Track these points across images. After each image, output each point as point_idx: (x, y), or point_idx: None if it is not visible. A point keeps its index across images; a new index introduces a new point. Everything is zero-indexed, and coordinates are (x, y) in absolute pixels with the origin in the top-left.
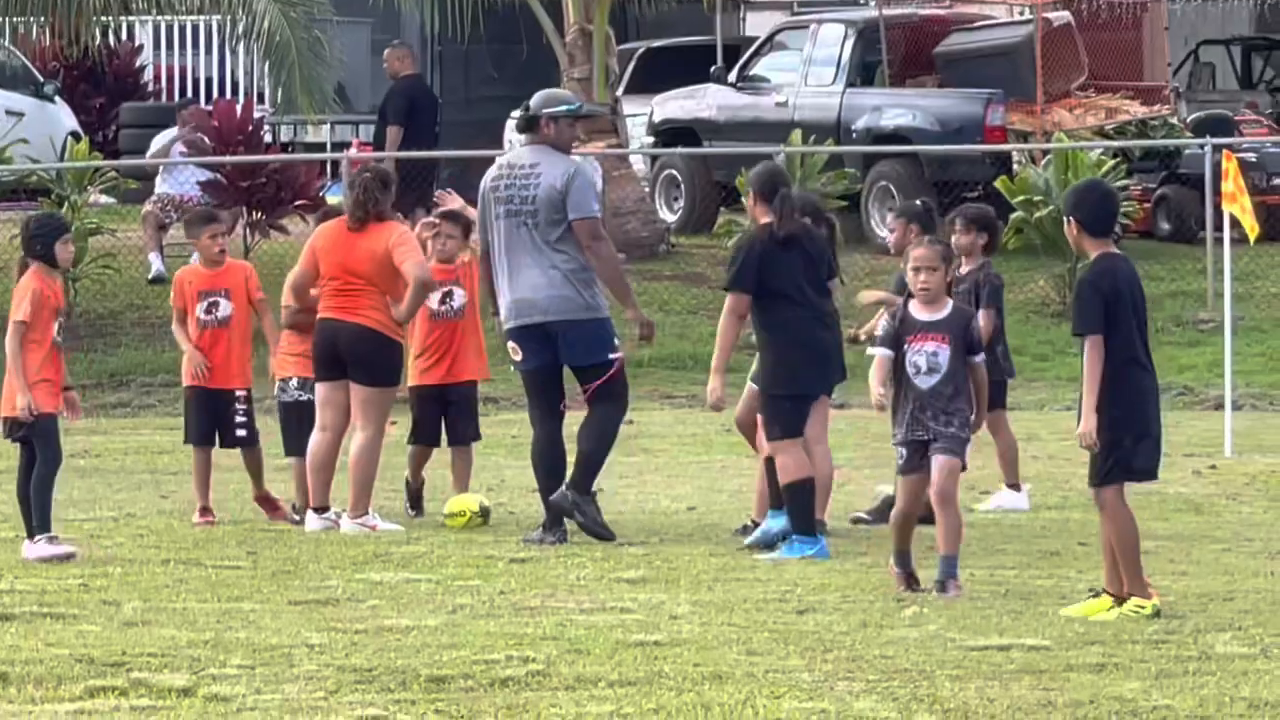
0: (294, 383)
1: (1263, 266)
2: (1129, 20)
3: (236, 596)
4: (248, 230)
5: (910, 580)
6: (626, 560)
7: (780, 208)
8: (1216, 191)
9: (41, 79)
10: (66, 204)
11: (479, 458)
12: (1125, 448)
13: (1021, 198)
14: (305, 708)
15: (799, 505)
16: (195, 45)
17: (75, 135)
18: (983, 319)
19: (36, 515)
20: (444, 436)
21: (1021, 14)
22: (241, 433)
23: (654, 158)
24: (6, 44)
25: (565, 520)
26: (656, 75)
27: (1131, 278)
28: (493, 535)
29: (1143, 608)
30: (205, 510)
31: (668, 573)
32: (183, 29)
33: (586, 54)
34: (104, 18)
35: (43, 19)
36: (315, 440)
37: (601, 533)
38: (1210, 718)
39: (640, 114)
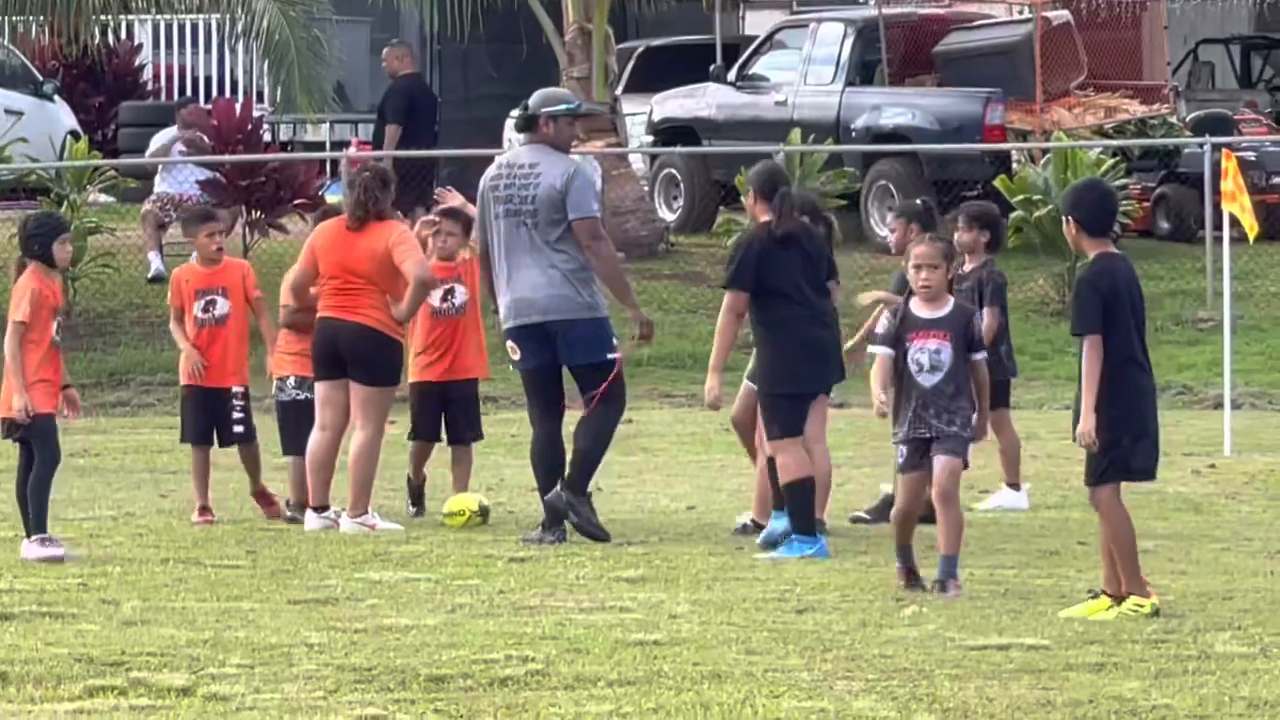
0: (291, 381)
1: (1262, 265)
2: (1128, 19)
3: (236, 596)
4: (247, 229)
5: (911, 576)
6: (626, 559)
7: (780, 206)
8: (1216, 190)
9: (41, 78)
10: (66, 203)
11: (478, 457)
12: (1123, 448)
13: (1021, 197)
14: (304, 707)
15: (799, 504)
16: (194, 44)
17: (74, 134)
18: (987, 317)
19: (33, 515)
20: (444, 435)
21: (1021, 13)
22: (239, 429)
23: (653, 157)
24: (6, 43)
25: (564, 520)
26: (656, 74)
27: (1130, 277)
28: (492, 534)
29: (1141, 606)
30: (204, 509)
31: (667, 572)
32: (182, 28)
33: (586, 53)
34: (103, 16)
35: (42, 18)
36: (315, 439)
37: (596, 534)
38: (1209, 717)
39: (639, 113)
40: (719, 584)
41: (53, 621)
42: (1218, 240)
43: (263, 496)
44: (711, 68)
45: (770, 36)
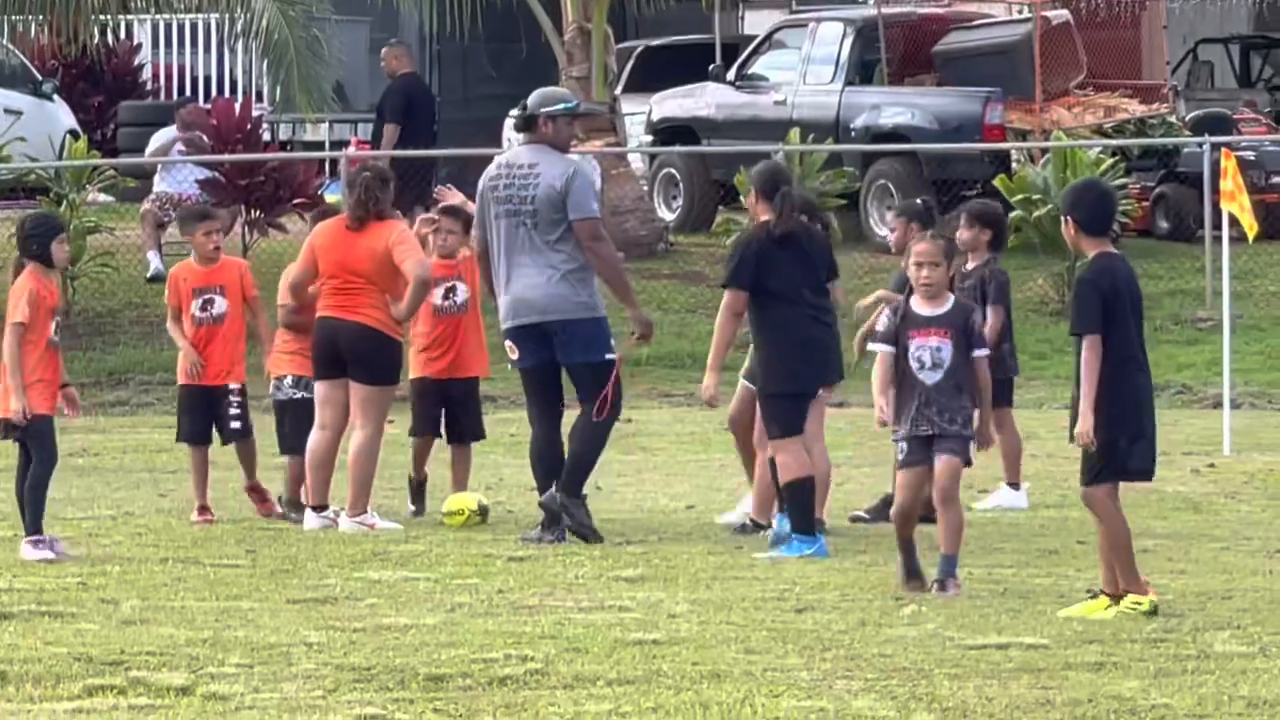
0: (288, 380)
1: (1261, 265)
2: (1127, 19)
3: (235, 595)
4: (246, 229)
5: (913, 571)
6: (625, 559)
7: (780, 206)
8: (1215, 190)
9: (40, 77)
10: (65, 202)
11: (477, 456)
12: (1121, 448)
13: (1020, 196)
14: (303, 706)
15: (799, 504)
16: (194, 44)
17: (74, 133)
18: (991, 316)
19: (29, 517)
20: (444, 434)
21: (1020, 12)
22: (235, 425)
23: (652, 156)
24: (5, 42)
25: (560, 520)
26: (655, 74)
27: (1129, 277)
28: (491, 534)
29: (1139, 604)
30: (203, 509)
31: (666, 571)
32: (181, 27)
33: (585, 52)
34: (102, 16)
35: (41, 17)
36: (314, 439)
37: (589, 536)
38: (1209, 716)
39: (639, 112)
40: (718, 583)
41: (52, 620)
42: (1217, 240)
43: (256, 491)
44: (711, 67)
45: (769, 36)
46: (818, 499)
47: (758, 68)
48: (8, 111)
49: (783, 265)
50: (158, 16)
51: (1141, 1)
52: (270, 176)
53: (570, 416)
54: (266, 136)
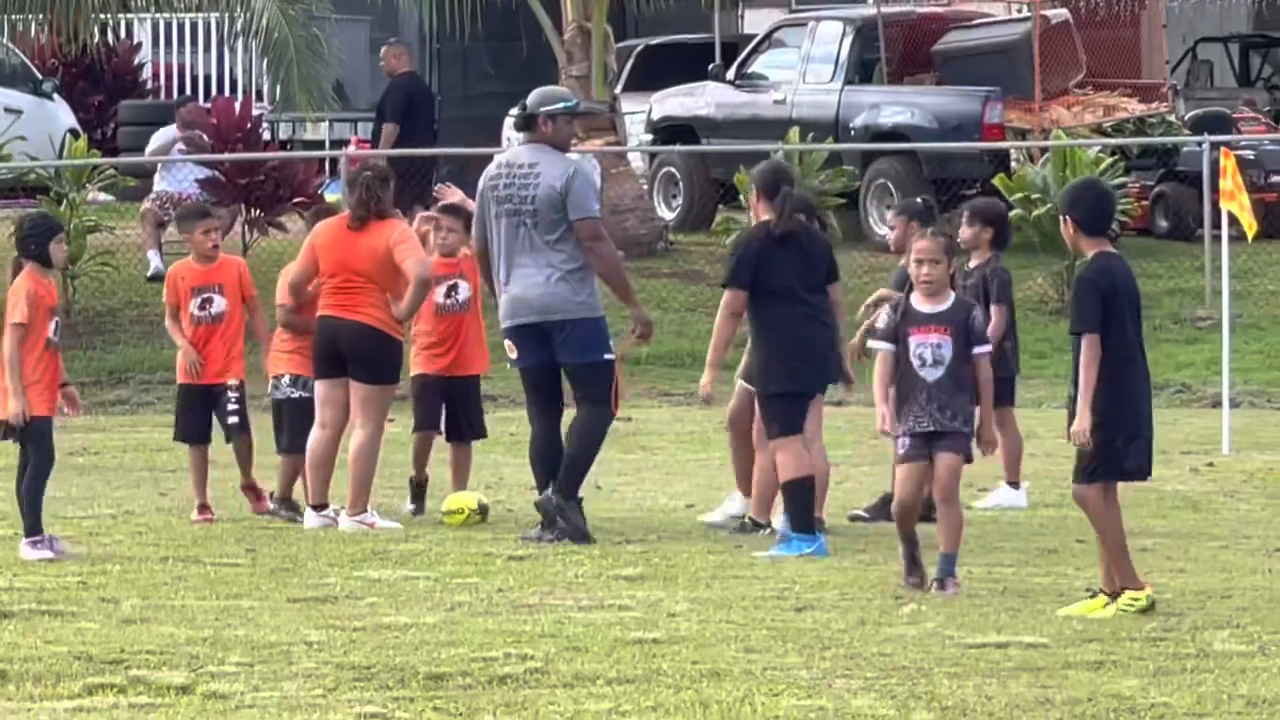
0: (286, 380)
1: (1260, 264)
2: (1127, 18)
3: (235, 594)
4: (246, 228)
5: (915, 562)
6: (625, 558)
7: (781, 206)
8: (1214, 189)
9: (40, 76)
10: (65, 201)
11: (477, 455)
12: (1116, 448)
13: (1019, 195)
14: (304, 705)
15: (798, 503)
16: (194, 43)
17: (74, 133)
18: (994, 315)
19: (27, 518)
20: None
21: (1019, 11)
22: (233, 420)
23: (652, 155)
24: (5, 41)
25: (556, 522)
26: (655, 73)
27: (1128, 277)
28: (491, 533)
29: (1136, 599)
30: (203, 507)
31: (666, 570)
32: (181, 26)
33: (585, 51)
34: (102, 15)
35: (41, 16)
36: (314, 438)
37: (580, 540)
38: (1208, 715)
39: (639, 111)
40: (718, 582)
41: (52, 619)
42: (1216, 239)
43: (251, 490)
44: (710, 66)
45: (769, 35)
46: (817, 498)
47: (757, 67)
48: (8, 110)
49: (782, 265)
50: (158, 15)
51: (1141, 1)
52: (270, 176)
53: (570, 415)
54: (266, 135)
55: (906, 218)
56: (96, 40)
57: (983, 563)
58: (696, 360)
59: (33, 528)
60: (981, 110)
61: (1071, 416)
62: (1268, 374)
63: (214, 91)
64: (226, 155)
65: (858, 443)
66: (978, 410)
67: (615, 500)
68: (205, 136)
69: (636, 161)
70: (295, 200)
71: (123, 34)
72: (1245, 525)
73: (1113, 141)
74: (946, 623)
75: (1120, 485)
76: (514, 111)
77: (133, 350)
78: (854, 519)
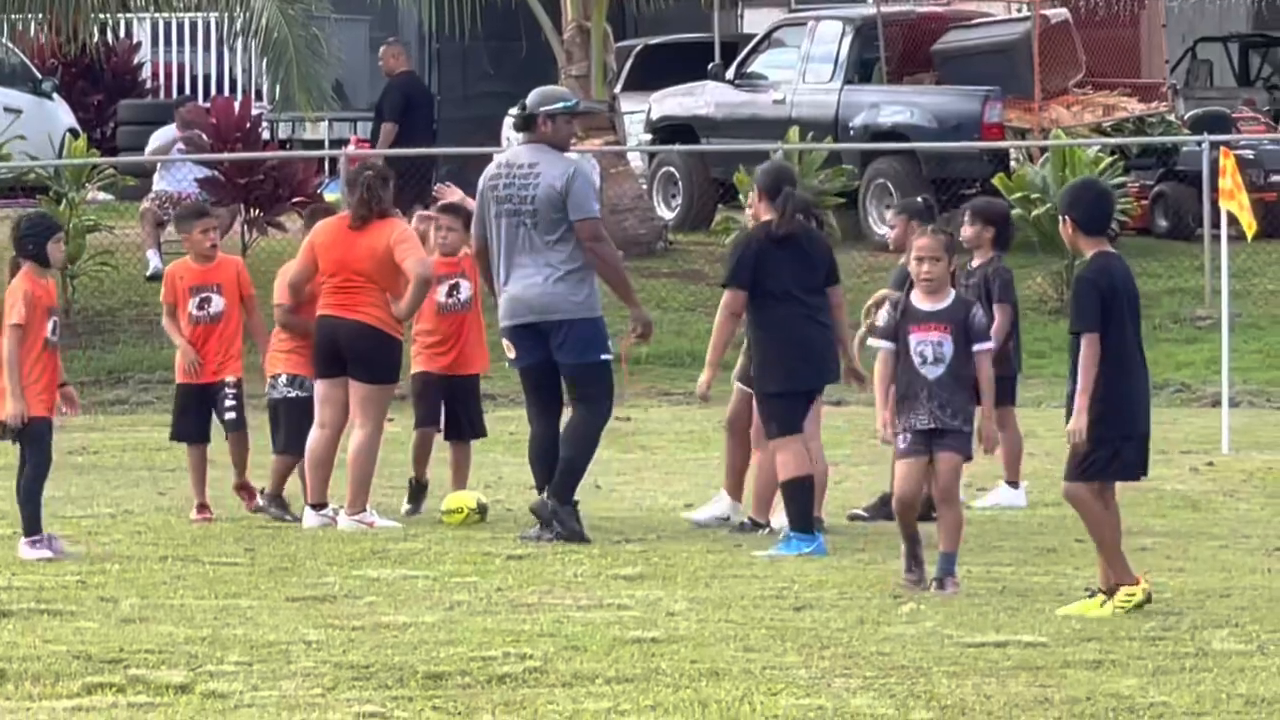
0: (283, 379)
1: (1260, 263)
2: (1126, 17)
3: (234, 593)
4: (245, 227)
5: (917, 559)
6: (624, 557)
7: (783, 207)
8: (1214, 188)
9: (40, 76)
10: (64, 201)
11: (477, 455)
12: (1111, 448)
13: (1019, 195)
14: (302, 704)
15: (797, 502)
16: (193, 42)
17: (73, 132)
18: (998, 315)
19: (25, 519)
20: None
21: (1019, 11)
22: (230, 415)
23: (652, 155)
24: (4, 41)
25: (552, 526)
26: (654, 72)
27: (1127, 276)
28: (490, 532)
29: (1132, 595)
30: (202, 507)
31: (665, 569)
32: (180, 26)
33: (584, 51)
34: (102, 15)
35: (41, 16)
36: (314, 437)
37: (576, 542)
38: (1207, 714)
39: (638, 111)
40: (717, 581)
41: (51, 619)
42: (1216, 238)
43: (244, 489)
44: (710, 66)
45: (769, 35)
46: (816, 498)
47: (757, 66)
48: (7, 110)
49: (781, 266)
50: (157, 15)
51: (1140, 0)
52: (269, 175)
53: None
54: (266, 135)
55: (906, 217)
56: (96, 40)
57: (982, 562)
58: (696, 360)
59: (31, 527)
60: (981, 110)
61: (1070, 415)
62: (1267, 373)
63: (213, 91)
64: (226, 155)
65: (857, 442)
66: (978, 410)
67: (614, 499)
68: (204, 136)
69: (636, 161)
70: (294, 200)
71: (122, 33)
72: (1244, 524)
73: (1112, 141)
74: (945, 622)
75: (1118, 484)
76: (513, 111)
77: (132, 350)
78: (853, 518)
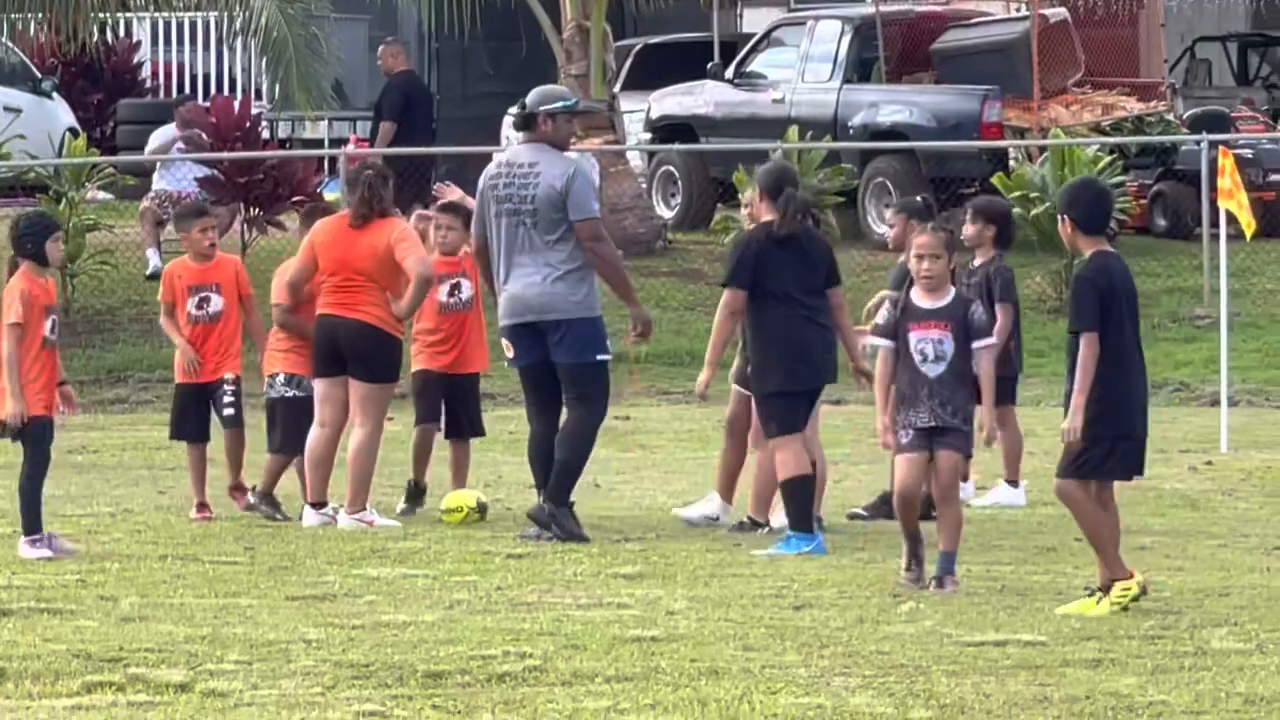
0: (280, 379)
1: (1259, 263)
2: (1125, 17)
3: (234, 592)
4: (245, 226)
5: (916, 563)
6: (623, 556)
7: (785, 208)
8: (1213, 188)
9: (39, 75)
10: (64, 200)
11: (476, 454)
12: (1105, 447)
13: (1018, 194)
14: (302, 703)
15: (797, 501)
16: (193, 41)
17: (73, 131)
18: (1000, 315)
19: (24, 519)
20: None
21: (1018, 10)
22: (229, 412)
23: (651, 154)
24: (4, 40)
25: (549, 530)
26: (654, 71)
27: (1125, 276)
28: (490, 531)
29: (1128, 589)
30: (202, 506)
31: (664, 568)
32: (180, 25)
33: (584, 50)
34: (102, 14)
35: (40, 15)
36: (314, 436)
37: (575, 542)
38: (1205, 713)
39: (637, 110)
40: (716, 580)
41: (51, 617)
42: (1214, 237)
43: (239, 490)
44: (709, 65)
45: (768, 34)
46: (815, 497)
47: (756, 66)
48: (7, 109)
49: (781, 267)
50: (157, 14)
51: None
52: (269, 174)
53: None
54: (265, 134)
55: (906, 216)
56: (95, 39)
57: (981, 561)
58: (695, 359)
59: (31, 526)
60: (980, 109)
61: (1068, 414)
62: (1266, 372)
63: (213, 90)
64: (225, 154)
65: (856, 441)
66: (978, 409)
67: (614, 498)
68: (204, 135)
69: (635, 160)
70: (294, 199)
71: (122, 33)
72: (1243, 523)
73: (1111, 140)
74: (945, 621)
75: (1116, 483)
76: (513, 110)
77: (131, 349)
78: (852, 517)
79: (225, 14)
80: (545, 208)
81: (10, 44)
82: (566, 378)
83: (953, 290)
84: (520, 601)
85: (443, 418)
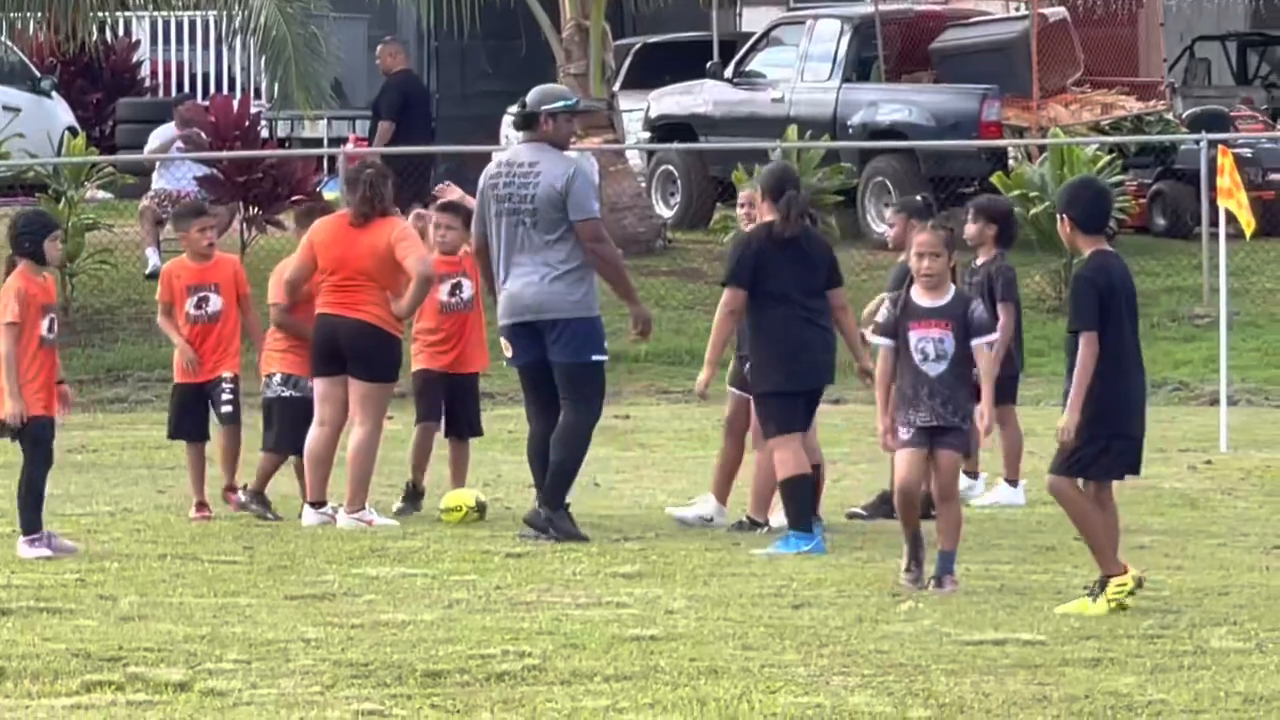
0: (277, 378)
1: (1258, 262)
2: (1124, 16)
3: (233, 591)
4: (244, 225)
5: (916, 562)
6: (622, 555)
7: (786, 209)
8: (1212, 187)
9: (38, 74)
10: (63, 199)
11: (476, 453)
12: (1099, 445)
13: (1017, 193)
14: (301, 702)
15: (796, 501)
16: (192, 40)
17: (72, 130)
18: (1002, 315)
19: (24, 517)
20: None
21: (1017, 9)
22: (226, 409)
23: (650, 153)
24: (4, 39)
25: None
26: (653, 71)
27: (1124, 275)
28: (489, 530)
29: (1123, 584)
30: (201, 505)
31: (663, 568)
32: (179, 24)
33: (583, 49)
34: (101, 13)
35: (40, 14)
36: (313, 435)
37: (574, 542)
38: (1205, 712)
39: (637, 109)
40: (715, 579)
41: (50, 617)
42: (1214, 236)
43: (230, 492)
44: (708, 64)
45: (767, 33)
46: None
47: (755, 65)
48: (6, 108)
49: (782, 267)
50: (156, 13)
51: None
52: (268, 173)
53: None
54: (265, 133)
55: (905, 215)
56: (95, 38)
57: (980, 560)
58: (695, 358)
59: (30, 525)
60: (979, 108)
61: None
62: (1265, 371)
63: (212, 89)
64: (225, 153)
65: (855, 440)
66: (979, 409)
67: (613, 498)
68: (203, 134)
69: (634, 159)
70: (293, 198)
71: (121, 32)
72: (1243, 523)
73: (1110, 139)
74: (944, 620)
75: (1115, 481)
76: (513, 110)
77: (131, 348)
78: (852, 516)
79: (224, 13)
80: (545, 207)
81: (9, 43)
82: (562, 377)
83: (953, 289)
84: (519, 601)
85: (443, 411)
